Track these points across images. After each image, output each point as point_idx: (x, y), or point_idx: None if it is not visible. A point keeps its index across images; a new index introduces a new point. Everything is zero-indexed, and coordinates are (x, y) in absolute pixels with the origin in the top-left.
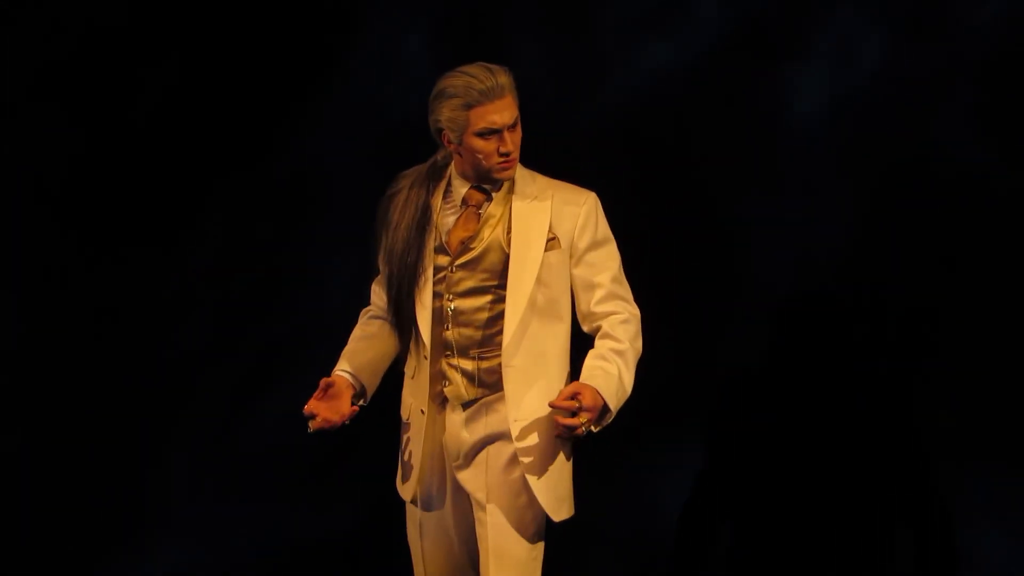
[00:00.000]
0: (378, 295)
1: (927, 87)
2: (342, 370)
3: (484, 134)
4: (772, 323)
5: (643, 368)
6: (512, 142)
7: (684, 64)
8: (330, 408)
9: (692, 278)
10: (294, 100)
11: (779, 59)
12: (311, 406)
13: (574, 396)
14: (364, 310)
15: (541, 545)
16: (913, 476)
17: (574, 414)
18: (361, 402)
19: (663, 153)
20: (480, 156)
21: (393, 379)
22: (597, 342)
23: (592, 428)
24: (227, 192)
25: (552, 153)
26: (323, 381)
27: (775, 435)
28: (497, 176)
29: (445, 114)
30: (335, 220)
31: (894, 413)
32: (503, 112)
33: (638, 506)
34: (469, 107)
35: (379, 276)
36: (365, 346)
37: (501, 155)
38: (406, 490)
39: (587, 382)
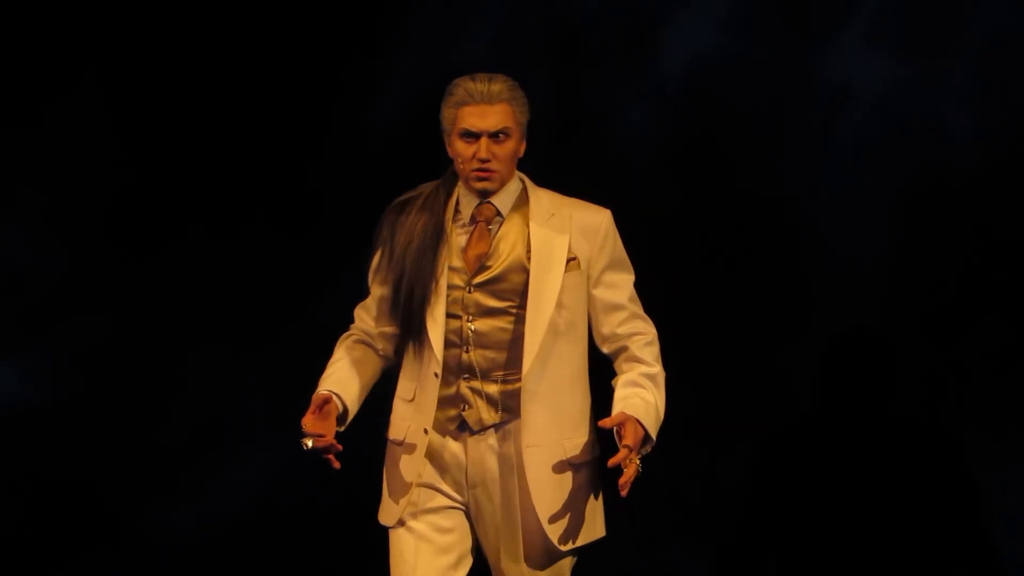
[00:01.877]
0: (364, 320)
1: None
2: (329, 390)
3: (464, 136)
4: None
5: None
6: (491, 152)
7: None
8: (324, 427)
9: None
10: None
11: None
12: (311, 424)
13: (617, 430)
14: (344, 335)
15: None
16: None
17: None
18: (340, 428)
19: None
20: (459, 160)
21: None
22: (624, 365)
23: (638, 462)
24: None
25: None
26: (319, 397)
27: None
28: (473, 185)
29: (444, 113)
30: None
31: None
32: (487, 117)
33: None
34: (458, 106)
35: (368, 299)
36: (351, 373)
37: (478, 161)
38: (391, 515)
39: (630, 412)
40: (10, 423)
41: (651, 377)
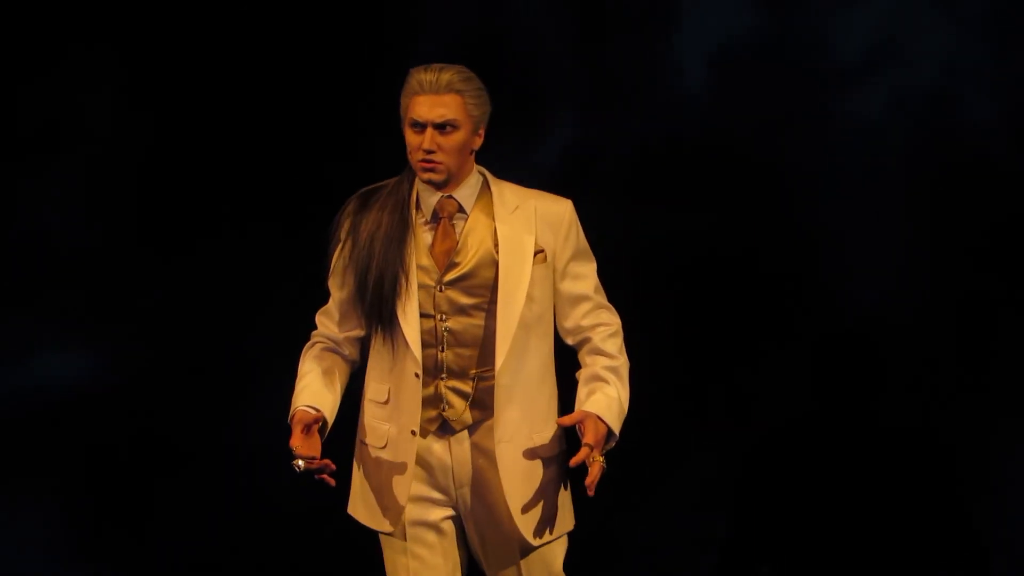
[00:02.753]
0: (326, 325)
1: None
2: (308, 405)
3: (413, 126)
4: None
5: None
6: (436, 143)
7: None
8: (315, 447)
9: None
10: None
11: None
12: (301, 446)
13: (579, 426)
14: (308, 344)
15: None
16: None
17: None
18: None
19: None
20: (409, 150)
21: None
22: (587, 358)
23: (601, 459)
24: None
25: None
26: (305, 416)
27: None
28: (420, 176)
29: (400, 102)
30: None
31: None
32: (433, 108)
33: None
34: (410, 95)
35: (329, 304)
36: (323, 384)
37: (423, 152)
38: (390, 519)
39: (589, 409)
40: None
41: (613, 370)
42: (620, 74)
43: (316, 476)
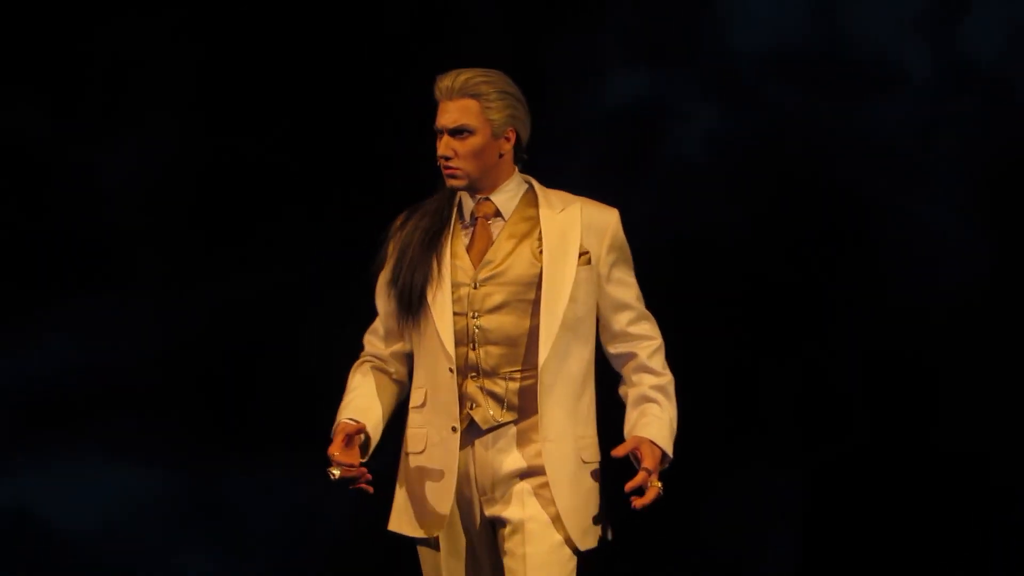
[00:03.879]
0: (373, 344)
1: None
2: (351, 418)
3: (435, 132)
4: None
5: None
6: (452, 149)
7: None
8: (353, 456)
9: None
10: None
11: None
12: (340, 453)
13: (634, 452)
14: (356, 363)
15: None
16: None
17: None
18: (364, 459)
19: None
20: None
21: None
22: (633, 376)
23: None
24: None
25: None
26: (346, 426)
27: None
28: (446, 182)
29: None
30: None
31: None
32: (447, 114)
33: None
34: (436, 103)
35: (376, 322)
36: (367, 400)
37: (443, 159)
38: (434, 523)
39: (642, 434)
40: None
41: (660, 388)
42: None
43: (351, 487)
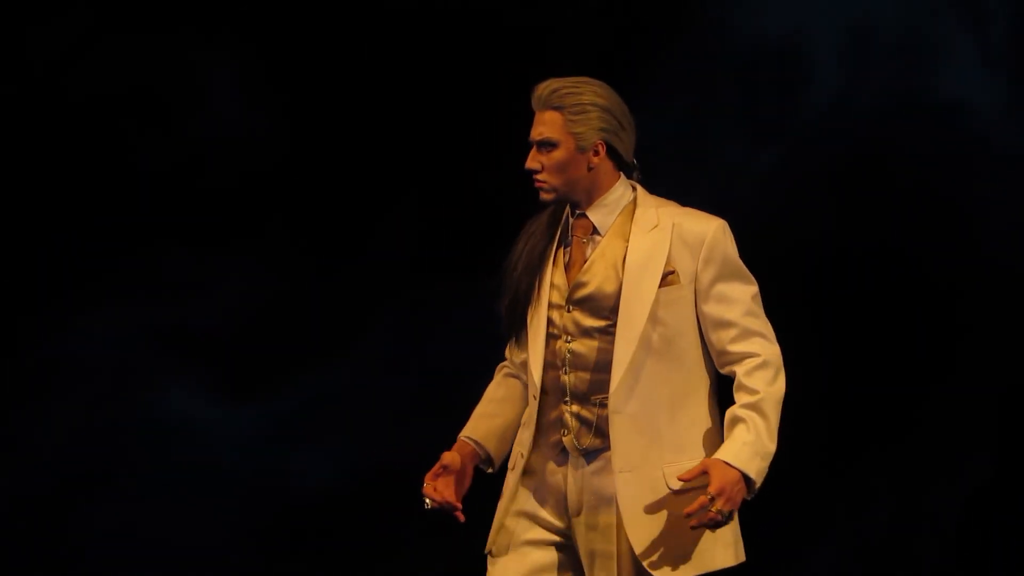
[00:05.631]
0: (510, 349)
1: None
2: (468, 437)
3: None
4: None
5: None
6: (539, 162)
7: None
8: (447, 485)
9: None
10: None
11: None
12: (429, 487)
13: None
14: (500, 365)
15: None
16: None
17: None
18: (489, 469)
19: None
20: None
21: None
22: (735, 395)
23: (724, 509)
24: None
25: None
26: (454, 460)
27: None
28: (538, 196)
29: None
30: None
31: None
32: (535, 126)
33: None
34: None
35: None
36: (495, 409)
37: (532, 172)
38: (490, 541)
39: (718, 456)
40: None
41: (753, 406)
42: None
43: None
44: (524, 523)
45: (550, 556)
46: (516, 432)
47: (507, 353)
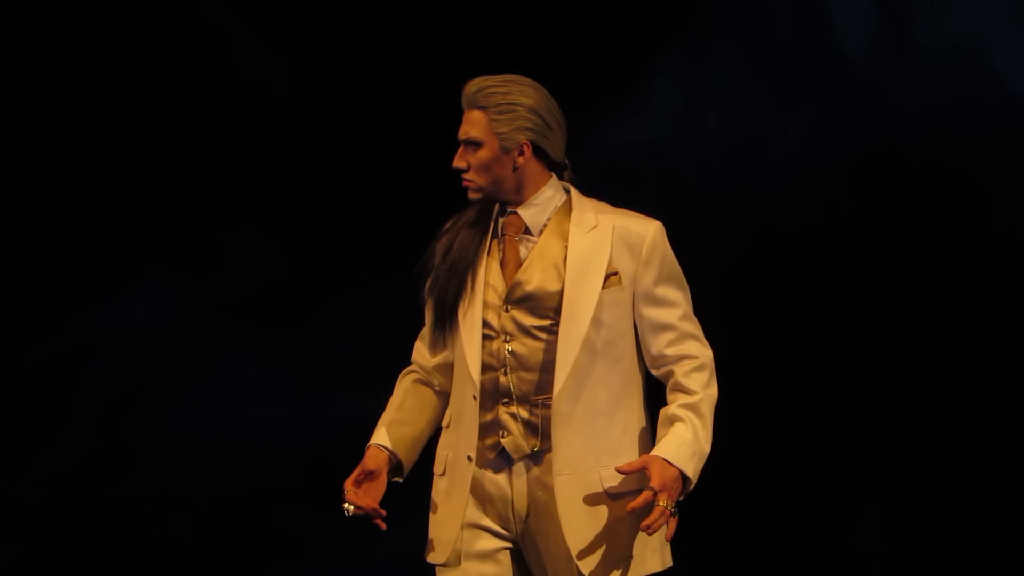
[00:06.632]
0: (420, 352)
1: None
2: (380, 444)
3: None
4: None
5: None
6: (466, 161)
7: None
8: (369, 490)
9: None
10: None
11: None
12: (352, 493)
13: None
14: (405, 370)
15: None
16: None
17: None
18: (397, 478)
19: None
20: None
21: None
22: (668, 396)
23: (669, 505)
24: None
25: None
26: (370, 464)
27: None
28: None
29: None
30: None
31: None
32: (462, 125)
33: None
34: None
35: (424, 328)
36: (406, 417)
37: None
38: (440, 552)
39: (656, 452)
40: None
41: (691, 407)
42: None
43: (369, 521)
44: (469, 533)
45: (501, 566)
46: (425, 441)
47: (416, 356)
